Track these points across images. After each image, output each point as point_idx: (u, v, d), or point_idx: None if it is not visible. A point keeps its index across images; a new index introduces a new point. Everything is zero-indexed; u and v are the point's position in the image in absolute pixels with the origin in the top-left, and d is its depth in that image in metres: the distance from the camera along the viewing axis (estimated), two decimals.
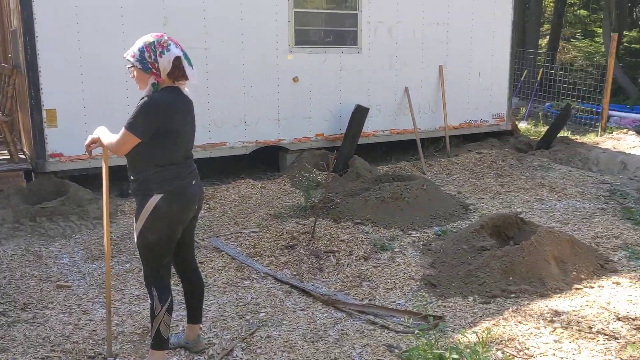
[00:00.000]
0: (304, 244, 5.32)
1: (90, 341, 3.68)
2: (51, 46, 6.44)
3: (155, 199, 3.13)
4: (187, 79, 3.18)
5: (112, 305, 4.22)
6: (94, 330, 3.84)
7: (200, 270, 3.77)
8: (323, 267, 4.96)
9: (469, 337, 3.46)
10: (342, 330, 3.90)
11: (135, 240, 3.25)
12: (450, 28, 9.09)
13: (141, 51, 3.10)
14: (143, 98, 3.11)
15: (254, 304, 4.29)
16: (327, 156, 7.74)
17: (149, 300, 3.29)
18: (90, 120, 6.67)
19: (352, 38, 8.39)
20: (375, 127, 8.71)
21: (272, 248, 5.26)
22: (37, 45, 6.37)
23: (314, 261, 5.04)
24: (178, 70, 3.13)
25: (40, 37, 6.37)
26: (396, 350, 3.57)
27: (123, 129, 3.07)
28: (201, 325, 3.75)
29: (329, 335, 3.83)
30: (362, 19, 8.30)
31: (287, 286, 4.61)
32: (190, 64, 3.17)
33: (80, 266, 4.98)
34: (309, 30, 8.21)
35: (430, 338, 3.26)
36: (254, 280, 4.73)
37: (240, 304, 4.30)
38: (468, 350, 3.02)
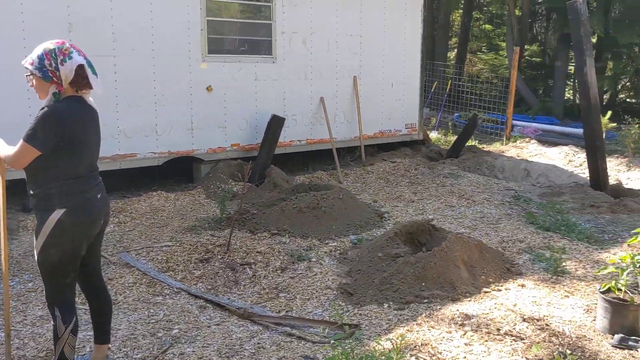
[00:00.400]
0: (219, 256, 5.21)
1: None
2: None
3: (58, 214, 2.96)
4: (91, 88, 3.04)
5: (12, 328, 3.95)
6: None
7: (108, 287, 3.60)
8: (239, 280, 4.87)
9: (384, 344, 3.50)
10: (259, 343, 3.84)
11: (36, 258, 3.06)
12: (363, 40, 9.27)
13: (40, 59, 2.93)
14: (43, 108, 2.94)
15: (167, 321, 4.14)
16: (243, 166, 7.67)
17: (52, 322, 3.10)
18: None
19: (266, 48, 8.37)
20: (291, 137, 8.72)
21: (186, 262, 5.12)
22: None
23: (230, 274, 4.95)
24: (81, 78, 2.99)
25: None
26: None
27: (21, 141, 2.89)
28: (110, 346, 3.58)
29: (245, 349, 3.75)
30: (277, 29, 8.31)
31: (201, 301, 4.49)
32: (94, 72, 3.03)
33: None
34: (223, 39, 8.12)
35: (347, 347, 3.27)
36: (167, 296, 4.57)
37: (152, 321, 4.14)
38: (383, 357, 3.05)
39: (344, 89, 9.21)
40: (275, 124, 8.14)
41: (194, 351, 3.70)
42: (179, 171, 8.29)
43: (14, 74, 6.26)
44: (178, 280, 4.83)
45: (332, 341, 3.14)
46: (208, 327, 4.07)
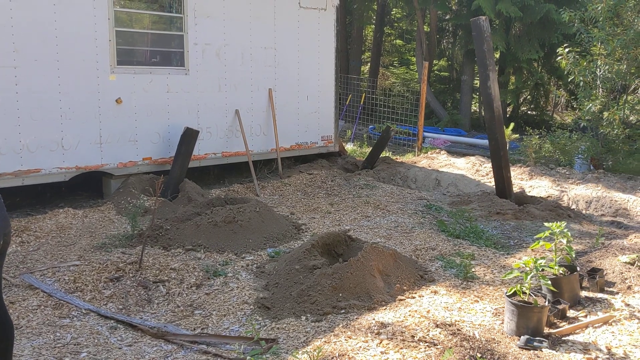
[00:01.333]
0: (131, 274, 5.02)
1: None
2: None
3: None
4: None
5: None
6: None
7: (10, 311, 3.37)
8: (152, 298, 4.71)
9: (301, 357, 3.48)
10: None
11: None
12: (277, 52, 9.29)
13: None
14: None
15: (75, 344, 3.94)
16: (155, 181, 7.45)
17: None
18: None
19: (179, 59, 8.21)
20: (206, 150, 8.59)
21: (95, 281, 4.89)
22: None
23: (142, 292, 4.78)
24: None
25: None
26: None
27: None
28: None
29: None
30: (189, 40, 8.18)
31: (112, 321, 4.30)
32: None
33: None
34: (133, 50, 7.89)
35: None
36: (75, 318, 4.34)
37: (59, 345, 3.92)
38: None
39: (260, 102, 9.19)
40: (189, 136, 7.98)
41: None
42: (88, 187, 7.94)
43: None
44: (87, 301, 4.60)
45: (249, 357, 3.09)
46: (119, 348, 3.91)
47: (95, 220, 6.76)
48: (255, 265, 5.48)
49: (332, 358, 3.64)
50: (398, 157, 11.71)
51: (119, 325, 4.26)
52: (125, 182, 7.66)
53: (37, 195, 7.59)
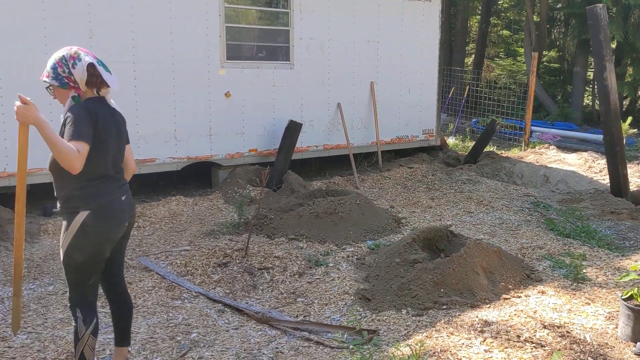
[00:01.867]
0: (237, 261, 5.23)
1: None
2: None
3: (82, 216, 2.98)
4: (107, 85, 3.07)
5: (34, 331, 4.01)
6: (13, 358, 3.61)
7: (128, 290, 3.62)
8: (257, 285, 4.88)
9: (403, 350, 3.48)
10: (277, 348, 3.84)
11: (61, 258, 3.09)
12: (380, 46, 9.27)
13: (54, 68, 3.01)
14: (67, 113, 2.98)
15: (186, 325, 4.17)
16: (261, 172, 7.70)
17: (73, 323, 3.12)
18: (10, 136, 6.36)
19: (284, 54, 8.41)
20: (308, 143, 8.74)
21: (204, 266, 5.14)
22: None
23: (248, 278, 4.96)
24: (95, 77, 3.03)
25: None
26: None
27: (74, 142, 2.82)
28: (129, 349, 3.60)
29: (263, 353, 3.76)
30: (294, 35, 8.34)
31: (219, 305, 4.51)
32: (107, 70, 3.08)
33: None
34: (241, 45, 8.17)
35: (365, 353, 3.26)
36: (186, 300, 4.59)
37: (171, 324, 4.17)
38: None
39: (361, 95, 9.22)
40: (293, 129, 8.16)
41: (212, 355, 3.71)
42: (198, 176, 8.34)
43: (32, 86, 6.40)
44: (197, 284, 4.85)
45: (351, 347, 3.13)
46: (226, 331, 4.09)
47: (205, 208, 7.09)
48: (355, 256, 5.53)
49: (434, 353, 3.61)
50: (503, 151, 11.33)
51: (226, 308, 4.45)
52: (233, 173, 7.97)
53: (151, 183, 8.07)
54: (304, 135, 8.56)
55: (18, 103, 2.77)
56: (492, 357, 3.57)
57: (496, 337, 3.80)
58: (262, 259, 5.28)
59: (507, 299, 4.47)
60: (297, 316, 4.34)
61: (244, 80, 8.00)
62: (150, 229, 6.30)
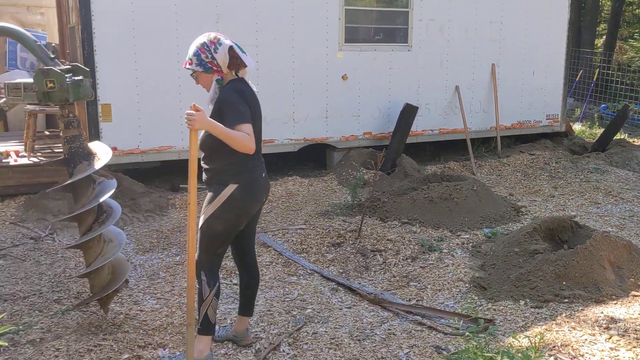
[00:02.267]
0: (351, 242, 5.29)
1: (141, 331, 3.75)
2: (108, 43, 6.61)
3: (230, 189, 3.17)
4: (245, 66, 3.22)
5: (162, 297, 4.30)
6: (144, 321, 3.91)
7: None
8: (369, 266, 4.92)
9: (521, 341, 3.37)
10: (389, 329, 3.86)
11: (200, 224, 3.26)
12: (503, 26, 8.89)
13: (197, 55, 3.17)
14: (218, 99, 3.13)
15: (301, 300, 4.29)
16: (375, 155, 7.71)
17: (197, 286, 3.28)
18: (144, 116, 6.83)
19: (402, 36, 8.31)
20: (424, 126, 8.61)
21: (319, 245, 5.26)
22: (94, 42, 6.54)
23: (361, 260, 5.02)
24: (235, 59, 3.18)
25: (97, 34, 6.54)
26: (444, 352, 3.51)
27: (241, 125, 3.02)
28: (250, 319, 3.77)
29: (375, 334, 3.79)
30: (414, 16, 8.21)
31: (333, 283, 4.60)
32: (243, 51, 3.23)
33: (131, 258, 5.08)
34: (359, 28, 8.17)
35: (481, 341, 3.19)
36: (301, 277, 4.73)
37: (287, 299, 4.31)
38: (520, 354, 2.94)
39: (481, 77, 8.92)
40: (408, 112, 8.07)
41: (326, 331, 3.80)
42: (313, 158, 8.50)
43: (164, 66, 6.81)
44: (311, 262, 4.98)
45: (467, 333, 3.08)
46: (340, 309, 4.17)
47: (319, 189, 7.23)
48: (470, 244, 5.40)
49: (554, 347, 3.46)
50: (635, 140, 10.52)
51: (339, 287, 4.53)
52: (347, 155, 8.04)
53: (269, 164, 8.33)
54: (420, 118, 8.43)
55: (189, 111, 2.96)
56: (618, 355, 3.37)
57: (623, 335, 3.57)
58: (374, 241, 5.31)
59: (636, 296, 4.18)
60: (409, 300, 4.33)
61: (361, 63, 8.01)
62: (268, 206, 6.53)
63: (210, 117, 3.11)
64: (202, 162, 3.25)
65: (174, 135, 6.95)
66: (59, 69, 3.47)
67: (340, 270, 4.84)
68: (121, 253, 3.94)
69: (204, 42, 3.17)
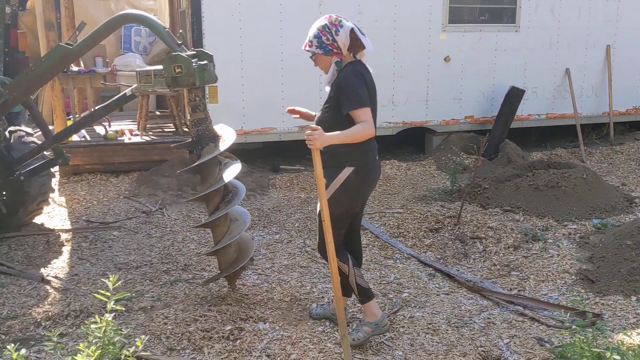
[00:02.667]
0: (449, 228, 5.20)
1: (242, 304, 3.89)
2: (215, 27, 6.83)
3: (347, 172, 3.18)
4: (364, 48, 3.19)
5: (263, 273, 4.45)
6: (245, 295, 4.06)
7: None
8: (468, 253, 4.82)
9: (633, 338, 3.18)
10: (489, 318, 3.77)
11: (318, 210, 3.25)
12: (621, 4, 8.31)
13: (318, 37, 3.17)
14: (338, 81, 3.15)
15: (397, 284, 4.28)
16: (477, 139, 7.48)
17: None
18: (248, 98, 7.02)
19: (509, 16, 7.98)
20: (530, 111, 8.26)
21: (416, 230, 5.21)
22: (203, 25, 6.79)
23: (459, 246, 4.92)
24: (355, 41, 3.16)
25: (206, 18, 6.78)
26: (547, 345, 3.39)
27: (360, 109, 3.04)
28: (348, 300, 3.81)
29: (474, 322, 3.72)
30: None
31: (430, 269, 4.55)
32: (362, 33, 3.20)
33: None
34: (464, 8, 7.92)
35: (588, 335, 3.04)
36: (397, 260, 4.71)
37: (384, 282, 4.32)
38: (631, 352, 2.78)
39: (594, 60, 8.40)
40: (514, 96, 7.77)
41: (423, 316, 3.77)
42: (410, 141, 8.40)
43: (269, 49, 6.94)
44: (408, 247, 4.95)
45: (574, 326, 2.95)
46: (437, 295, 4.12)
47: (417, 173, 7.15)
48: (578, 234, 5.14)
49: None
50: None
51: (436, 273, 4.47)
52: (447, 139, 7.88)
53: None
54: (526, 102, 8.09)
55: (308, 131, 2.97)
56: None
57: None
58: (474, 228, 5.18)
59: None
60: (510, 289, 4.21)
61: (464, 45, 7.78)
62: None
63: (328, 99, 3.16)
64: None
65: (276, 117, 7.11)
66: (186, 54, 3.57)
67: (438, 256, 4.78)
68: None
69: (325, 24, 3.16)
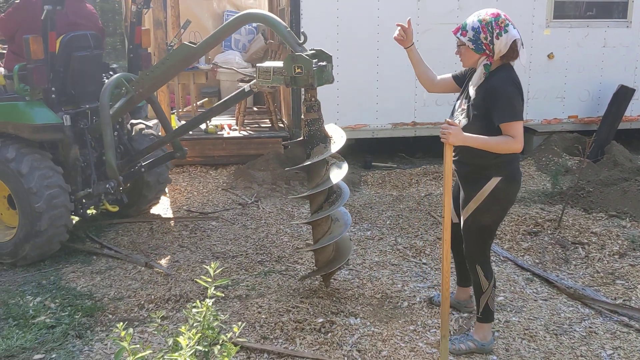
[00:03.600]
0: (549, 232, 4.99)
1: (334, 298, 3.93)
2: (313, 24, 6.92)
3: (494, 182, 3.06)
4: (517, 58, 3.01)
5: (354, 269, 4.47)
6: (337, 289, 4.09)
7: None
8: (569, 259, 4.60)
9: None
10: (590, 327, 3.59)
11: (463, 220, 3.21)
12: None
13: (476, 31, 2.95)
14: (481, 82, 3.01)
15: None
16: (580, 140, 7.14)
17: (472, 277, 3.31)
18: (342, 94, 7.06)
19: (620, 11, 7.52)
20: None
21: (514, 232, 5.04)
22: (301, 22, 6.90)
23: (559, 251, 4.71)
24: (512, 52, 2.98)
25: (304, 15, 6.88)
26: None
27: (513, 123, 2.90)
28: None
29: (574, 330, 3.55)
30: None
31: (528, 273, 4.38)
32: (522, 45, 3.00)
33: None
34: (570, 2, 7.56)
35: None
36: (493, 263, 4.55)
37: None
38: None
39: None
40: (622, 95, 7.33)
41: (519, 321, 3.65)
42: None
43: (364, 44, 6.93)
44: (505, 249, 4.79)
45: None
46: (534, 300, 3.97)
47: None
48: None
49: None
50: None
51: (534, 278, 4.31)
52: (548, 139, 7.55)
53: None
54: (636, 102, 7.61)
55: (444, 124, 2.89)
56: None
57: None
58: (576, 233, 4.95)
59: None
60: (615, 298, 3.98)
61: (569, 41, 7.43)
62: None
63: (475, 105, 3.01)
64: (457, 152, 3.12)
65: (369, 114, 7.11)
66: (306, 55, 3.53)
67: (537, 261, 4.59)
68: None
69: (490, 22, 2.93)
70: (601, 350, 3.32)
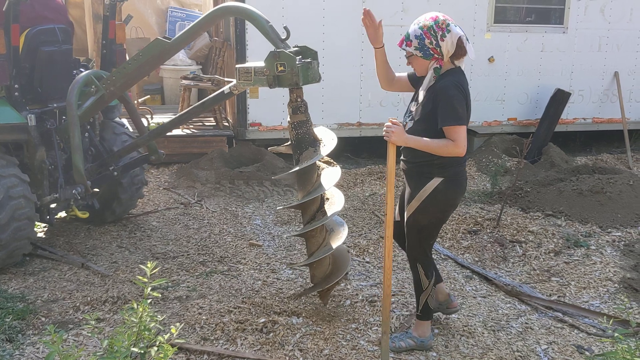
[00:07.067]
0: (488, 230, 5.11)
1: (277, 298, 3.90)
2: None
3: (436, 182, 3.05)
4: (466, 54, 3.01)
5: (297, 268, 4.44)
6: (280, 288, 4.07)
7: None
8: (507, 257, 4.72)
9: None
10: (526, 323, 3.69)
11: (406, 218, 3.20)
12: None
13: (420, 38, 2.95)
14: (430, 85, 3.02)
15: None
16: (519, 142, 7.35)
17: (412, 275, 3.32)
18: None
19: (557, 17, 7.79)
20: (575, 114, 8.06)
21: (454, 231, 5.13)
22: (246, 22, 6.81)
23: (498, 249, 4.82)
24: (460, 50, 2.97)
25: None
26: (587, 353, 3.29)
27: (454, 127, 2.90)
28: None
29: (511, 326, 3.64)
30: None
31: (467, 271, 4.47)
32: (468, 40, 3.01)
33: (270, 228, 5.30)
34: (510, 8, 7.77)
35: (631, 345, 2.93)
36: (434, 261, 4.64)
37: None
38: None
39: None
40: (559, 99, 7.59)
41: (458, 318, 3.71)
42: None
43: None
44: (445, 248, 4.87)
45: (615, 335, 2.85)
46: (473, 297, 4.05)
47: None
48: (622, 242, 4.98)
49: None
50: None
51: (474, 275, 4.40)
52: (488, 141, 7.74)
53: None
54: (571, 106, 7.90)
55: (388, 123, 2.90)
56: None
57: None
58: (514, 232, 5.08)
59: None
60: (550, 295, 4.10)
61: (509, 45, 7.64)
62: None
63: (422, 107, 3.01)
64: (402, 151, 3.13)
65: (314, 114, 7.01)
66: (289, 51, 3.32)
67: (476, 259, 4.69)
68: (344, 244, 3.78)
69: (431, 26, 2.93)
70: (536, 345, 3.42)
